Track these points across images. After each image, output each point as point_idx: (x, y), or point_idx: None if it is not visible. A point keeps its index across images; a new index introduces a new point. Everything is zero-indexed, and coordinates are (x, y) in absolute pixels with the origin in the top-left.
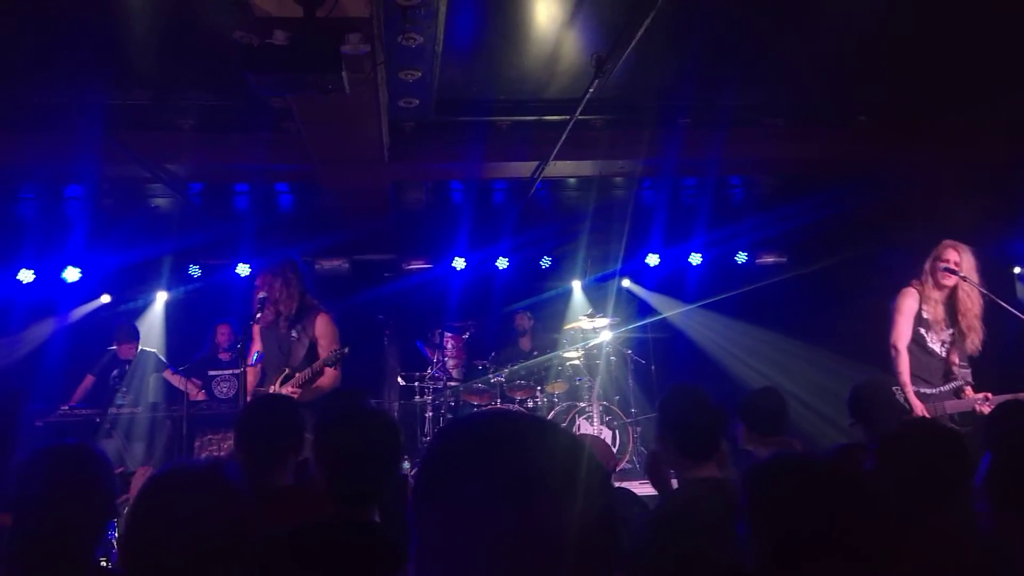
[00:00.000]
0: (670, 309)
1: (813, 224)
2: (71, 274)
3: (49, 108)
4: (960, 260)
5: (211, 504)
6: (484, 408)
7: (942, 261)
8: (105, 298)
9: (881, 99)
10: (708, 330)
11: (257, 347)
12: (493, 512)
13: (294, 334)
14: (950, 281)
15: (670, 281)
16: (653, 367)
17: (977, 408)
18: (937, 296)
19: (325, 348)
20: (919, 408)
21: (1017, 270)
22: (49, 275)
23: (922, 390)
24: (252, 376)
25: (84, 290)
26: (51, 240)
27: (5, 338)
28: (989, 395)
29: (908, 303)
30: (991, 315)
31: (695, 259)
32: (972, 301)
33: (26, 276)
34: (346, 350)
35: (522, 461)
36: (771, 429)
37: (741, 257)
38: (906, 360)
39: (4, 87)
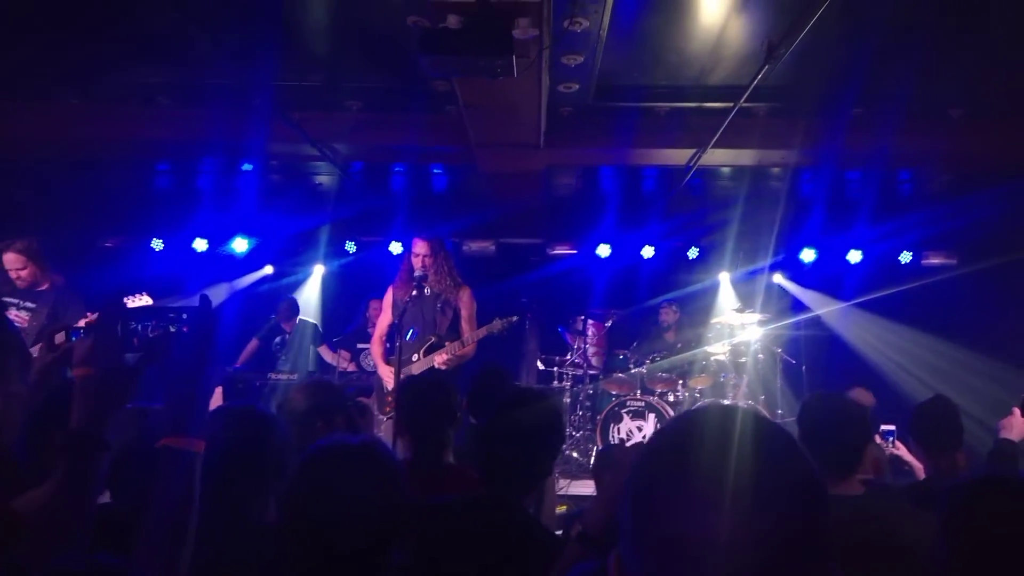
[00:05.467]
0: (824, 307)
1: (986, 222)
2: (240, 244)
3: (228, 88)
4: None
5: (367, 477)
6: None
7: None
8: (268, 269)
9: None
10: (865, 332)
11: (388, 316)
12: (689, 522)
13: (438, 304)
14: None
15: (826, 278)
16: (804, 367)
17: None
18: None
19: (467, 319)
20: None
21: None
22: (220, 245)
23: None
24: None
25: (250, 260)
26: (222, 212)
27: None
28: None
29: None
30: None
31: (854, 256)
32: None
33: (200, 245)
34: (515, 319)
35: (717, 465)
36: (941, 444)
37: (905, 257)
38: None
39: (188, 67)
